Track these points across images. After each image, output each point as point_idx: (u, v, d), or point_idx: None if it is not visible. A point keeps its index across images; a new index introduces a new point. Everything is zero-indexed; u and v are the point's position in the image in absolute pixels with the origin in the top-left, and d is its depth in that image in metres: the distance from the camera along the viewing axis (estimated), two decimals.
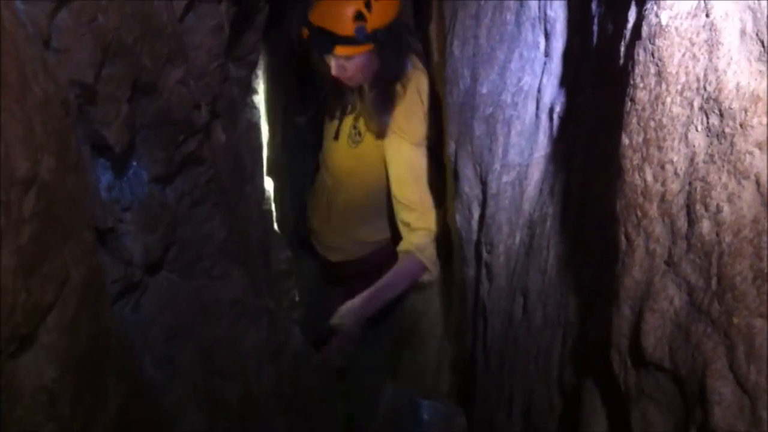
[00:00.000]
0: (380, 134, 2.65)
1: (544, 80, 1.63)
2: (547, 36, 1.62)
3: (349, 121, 2.79)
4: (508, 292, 1.74)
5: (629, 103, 1.00)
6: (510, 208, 1.77)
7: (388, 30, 2.51)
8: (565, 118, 1.54)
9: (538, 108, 1.66)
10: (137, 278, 1.40)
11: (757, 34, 0.83)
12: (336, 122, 2.84)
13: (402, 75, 2.60)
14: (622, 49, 1.09)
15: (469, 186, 2.00)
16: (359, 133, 2.75)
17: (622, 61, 1.09)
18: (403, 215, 2.64)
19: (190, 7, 1.31)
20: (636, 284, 1.02)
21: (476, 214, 1.99)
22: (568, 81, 1.54)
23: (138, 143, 1.30)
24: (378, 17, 2.47)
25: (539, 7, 1.63)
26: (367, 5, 2.45)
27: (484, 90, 1.87)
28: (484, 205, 1.90)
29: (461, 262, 2.12)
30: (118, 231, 1.32)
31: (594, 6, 1.37)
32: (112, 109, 1.14)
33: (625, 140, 1.01)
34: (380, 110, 2.63)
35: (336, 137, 2.83)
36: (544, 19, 1.62)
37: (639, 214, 1.00)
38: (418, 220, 2.61)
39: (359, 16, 2.44)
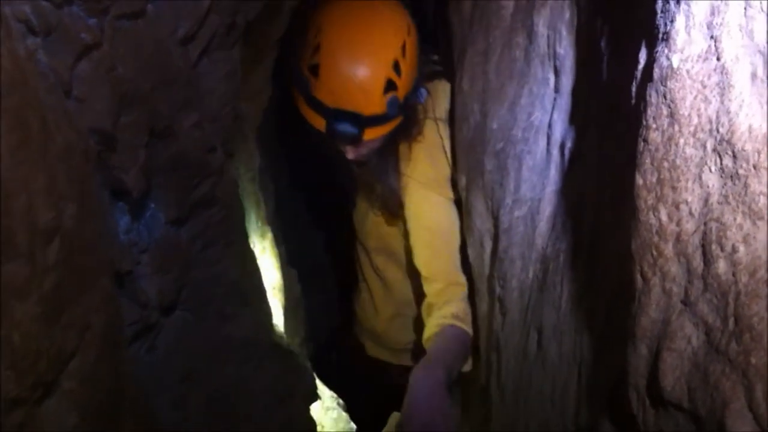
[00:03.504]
0: (387, 203, 2.20)
1: (555, 116, 1.65)
2: (557, 72, 1.63)
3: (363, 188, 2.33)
4: (522, 327, 1.74)
5: (642, 144, 1.01)
6: (522, 242, 1.77)
7: (414, 91, 2.01)
8: (576, 154, 1.55)
9: (549, 143, 1.67)
10: (153, 320, 1.41)
11: None
12: (354, 192, 2.40)
13: (411, 130, 2.10)
14: (633, 89, 1.10)
15: (481, 220, 2.01)
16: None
17: (633, 101, 1.10)
18: (426, 287, 2.12)
19: (204, 53, 1.33)
20: (653, 323, 1.03)
21: (488, 249, 1.99)
22: (578, 117, 1.55)
23: (154, 187, 1.32)
24: (409, 77, 1.95)
25: (548, 45, 1.65)
26: (396, 68, 1.90)
27: (495, 125, 1.89)
28: (496, 239, 1.91)
29: (474, 296, 2.11)
30: (134, 273, 1.33)
31: (603, 45, 1.38)
32: (130, 156, 1.16)
33: (639, 180, 1.02)
34: (383, 175, 2.17)
35: (358, 207, 2.40)
36: (554, 56, 1.63)
37: (655, 253, 1.00)
38: (441, 294, 2.09)
39: (390, 85, 1.90)
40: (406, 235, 2.21)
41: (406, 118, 2.03)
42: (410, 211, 2.16)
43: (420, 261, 2.13)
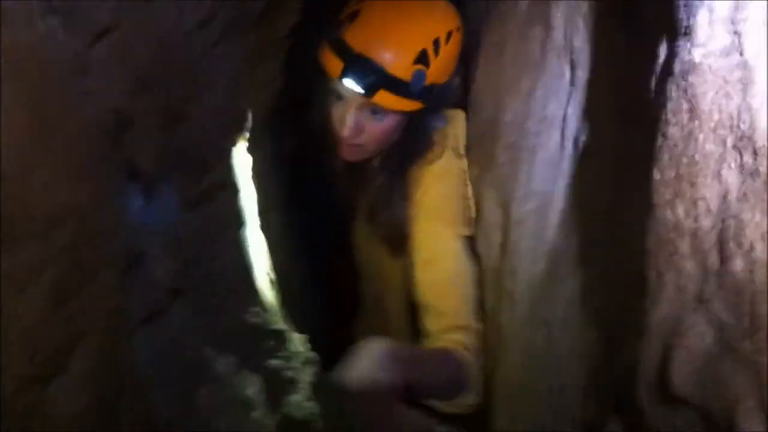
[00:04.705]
0: (390, 228, 1.98)
1: (570, 110, 1.64)
2: (573, 66, 1.62)
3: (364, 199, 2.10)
4: (531, 321, 1.74)
5: (661, 139, 1.01)
6: (533, 236, 1.76)
7: (441, 90, 1.89)
8: (591, 148, 1.55)
9: (562, 137, 1.66)
10: (161, 305, 1.40)
11: None
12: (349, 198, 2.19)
13: (426, 153, 1.95)
14: (653, 83, 1.10)
15: (491, 213, 2.00)
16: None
17: (652, 95, 1.09)
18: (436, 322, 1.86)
19: (219, 38, 1.32)
20: (665, 319, 1.02)
21: (498, 242, 1.98)
22: (594, 111, 1.54)
23: (167, 170, 1.31)
24: (441, 68, 1.85)
25: (565, 37, 1.64)
26: (436, 46, 1.81)
27: (508, 118, 1.87)
28: (506, 232, 1.90)
29: (482, 290, 2.11)
30: (144, 257, 1.33)
31: (621, 38, 1.37)
32: (145, 138, 1.15)
33: (657, 175, 1.01)
34: (391, 198, 1.96)
35: (354, 216, 2.18)
36: (570, 49, 1.62)
37: (670, 249, 0.99)
38: (457, 332, 1.84)
39: (422, 59, 1.79)
40: (407, 270, 1.96)
41: (411, 127, 1.91)
42: (416, 247, 1.94)
43: (425, 300, 1.90)
